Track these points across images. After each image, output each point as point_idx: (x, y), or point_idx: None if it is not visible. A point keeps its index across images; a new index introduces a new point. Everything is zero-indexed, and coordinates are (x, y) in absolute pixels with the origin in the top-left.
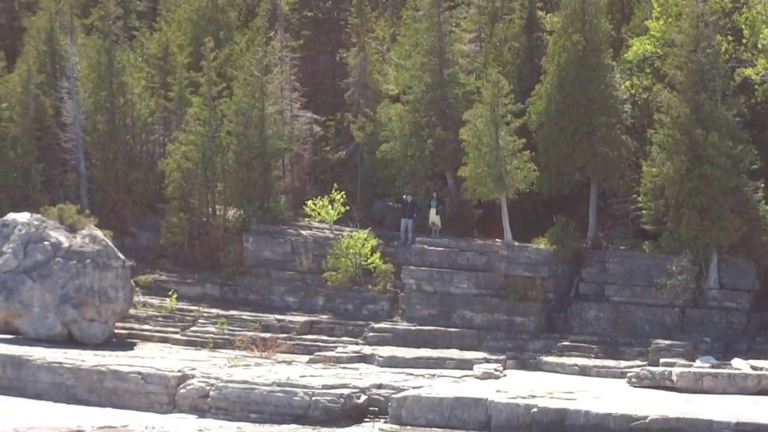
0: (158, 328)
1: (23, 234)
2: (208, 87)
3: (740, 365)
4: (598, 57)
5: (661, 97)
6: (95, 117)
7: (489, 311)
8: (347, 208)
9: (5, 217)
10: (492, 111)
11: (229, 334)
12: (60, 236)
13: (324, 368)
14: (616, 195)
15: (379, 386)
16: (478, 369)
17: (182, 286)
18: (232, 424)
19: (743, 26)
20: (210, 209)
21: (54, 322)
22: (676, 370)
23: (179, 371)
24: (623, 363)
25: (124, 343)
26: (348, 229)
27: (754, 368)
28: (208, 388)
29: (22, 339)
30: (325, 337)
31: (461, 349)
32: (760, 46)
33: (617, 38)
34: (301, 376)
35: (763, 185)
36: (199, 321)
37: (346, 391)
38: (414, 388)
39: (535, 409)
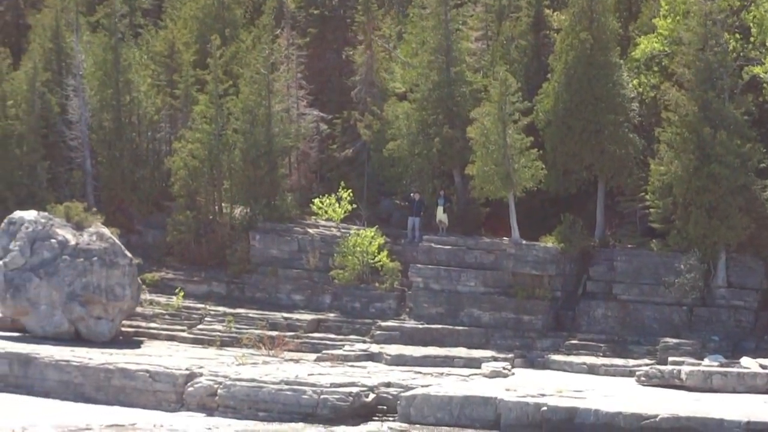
0: (165, 326)
1: (30, 232)
2: (215, 85)
3: (749, 364)
4: (605, 55)
5: (669, 95)
6: (101, 115)
7: (496, 309)
8: (354, 206)
9: (12, 215)
10: (500, 109)
11: (236, 332)
12: (67, 234)
13: (332, 366)
14: (623, 193)
15: (388, 385)
16: (487, 367)
17: (189, 284)
18: (241, 422)
19: (751, 24)
20: (216, 207)
21: (61, 320)
22: (685, 368)
23: (187, 369)
24: (631, 362)
25: (131, 341)
26: (355, 227)
27: (763, 367)
28: (216, 386)
29: (28, 337)
30: (332, 336)
31: (469, 347)
32: None
33: (624, 36)
34: (309, 375)
35: None
36: (206, 319)
37: (354, 390)
38: (423, 386)
39: (545, 408)
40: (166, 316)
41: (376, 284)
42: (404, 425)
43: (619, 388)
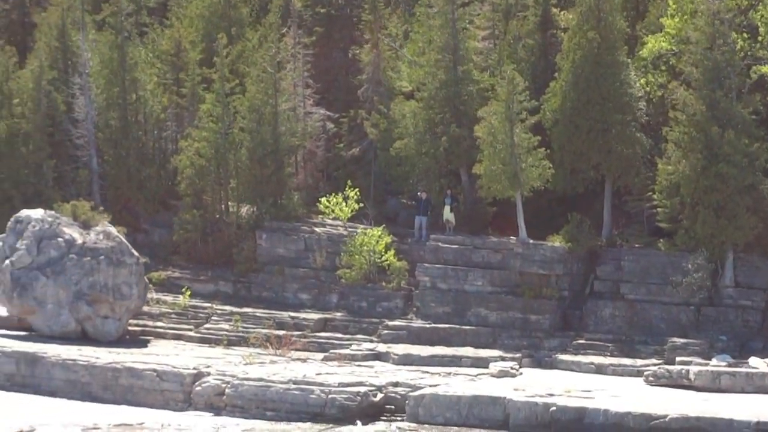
0: (172, 325)
1: (37, 230)
2: (221, 83)
3: (757, 364)
4: (613, 54)
5: (676, 94)
6: (107, 113)
7: (504, 309)
8: (361, 205)
9: (19, 214)
10: (507, 108)
11: (243, 332)
12: (74, 233)
13: (339, 366)
14: (630, 193)
15: (396, 384)
16: (494, 367)
17: (195, 283)
18: (248, 422)
19: (759, 23)
20: (223, 206)
21: (68, 319)
22: (693, 368)
23: (194, 369)
24: (639, 361)
25: (137, 341)
26: (362, 226)
27: None
28: (223, 385)
29: (35, 336)
30: (339, 335)
31: (476, 347)
32: None
33: (632, 35)
34: (317, 374)
35: None
36: (213, 318)
37: (362, 389)
38: (430, 386)
39: (554, 408)
40: (173, 315)
41: (383, 283)
42: (413, 425)
43: (628, 388)
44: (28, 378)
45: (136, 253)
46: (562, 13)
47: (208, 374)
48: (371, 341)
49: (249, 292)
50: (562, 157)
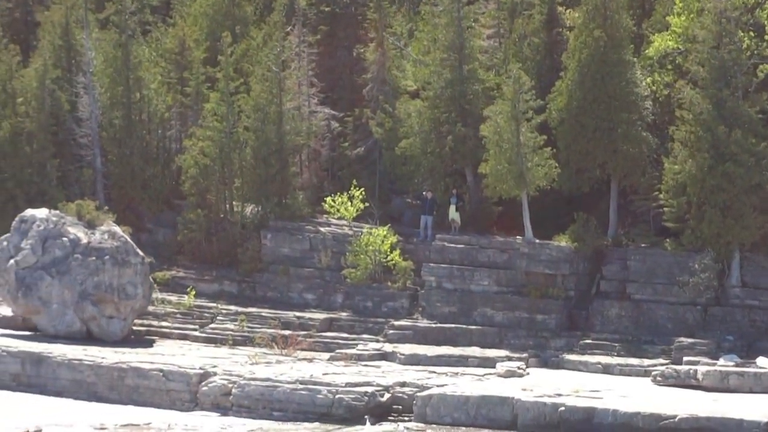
0: (177, 325)
1: (41, 230)
2: (226, 82)
3: (765, 364)
4: (619, 53)
5: (683, 93)
6: (111, 112)
7: (510, 309)
8: (366, 204)
9: (23, 213)
10: (513, 107)
11: (248, 332)
12: (79, 232)
13: (345, 366)
14: (636, 192)
15: (403, 384)
16: (501, 367)
17: (200, 282)
18: (255, 422)
19: (765, 22)
20: (227, 205)
21: (73, 319)
22: (701, 368)
23: (201, 369)
24: (646, 361)
25: (142, 340)
26: (367, 225)
27: None
28: (230, 385)
29: (40, 336)
30: (344, 335)
31: (482, 347)
32: None
33: (638, 34)
34: (323, 374)
35: None
36: (218, 318)
37: (369, 389)
38: (438, 386)
39: (563, 408)
40: (178, 315)
41: (389, 283)
42: (420, 425)
43: (635, 388)
44: (34, 378)
45: (141, 253)
46: (567, 11)
47: (215, 374)
48: (377, 341)
49: (254, 291)
50: (567, 157)
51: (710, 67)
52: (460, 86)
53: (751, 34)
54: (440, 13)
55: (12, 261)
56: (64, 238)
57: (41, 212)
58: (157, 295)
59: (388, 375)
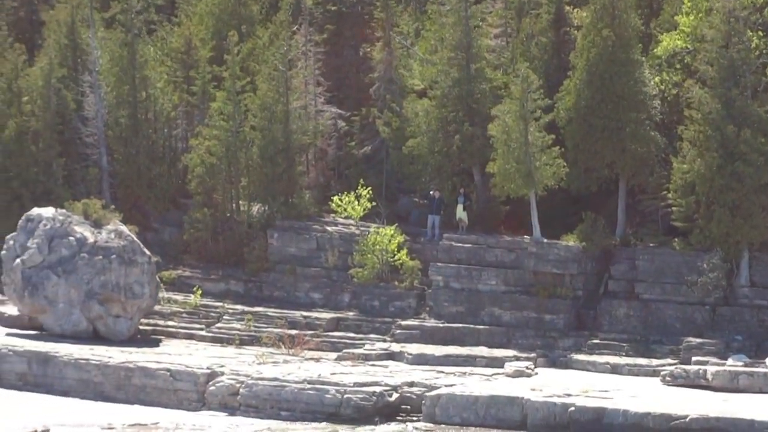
0: (183, 325)
1: (48, 229)
2: (232, 81)
3: None
4: (627, 52)
5: (692, 93)
6: (117, 111)
7: (518, 309)
8: (373, 204)
9: (30, 212)
10: (521, 106)
11: (255, 331)
12: (85, 231)
13: (353, 366)
14: (645, 191)
15: (411, 384)
16: (509, 367)
17: (206, 282)
18: (263, 422)
19: None
20: (234, 205)
21: (79, 318)
22: (711, 368)
23: (208, 368)
24: (655, 361)
25: (149, 340)
26: (374, 225)
27: None
28: (237, 385)
29: (46, 335)
30: (351, 334)
31: (490, 346)
32: None
33: (646, 33)
34: (331, 374)
35: None
36: (224, 317)
37: (378, 389)
38: (446, 386)
39: (573, 408)
40: (184, 315)
41: (396, 283)
42: (429, 425)
43: (645, 388)
44: (40, 377)
45: (147, 252)
46: (575, 10)
47: (222, 374)
48: (384, 341)
49: (260, 291)
50: (576, 156)
51: (719, 66)
52: (467, 85)
53: (760, 33)
54: (447, 12)
55: (18, 260)
56: (71, 237)
57: (48, 211)
58: (163, 294)
59: (396, 375)
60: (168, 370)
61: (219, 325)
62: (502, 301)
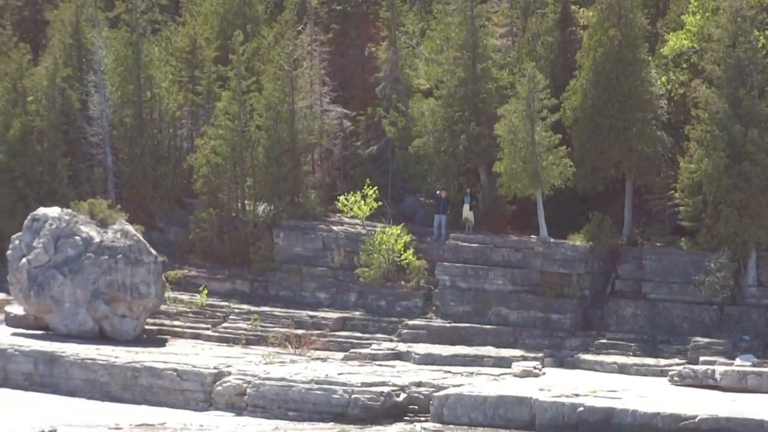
0: (189, 324)
1: (54, 229)
2: (237, 81)
3: None
4: (633, 52)
5: (698, 92)
6: (122, 111)
7: (525, 308)
8: (380, 203)
9: (35, 212)
10: (528, 106)
11: (261, 331)
12: (91, 231)
13: (360, 365)
14: (651, 191)
15: (419, 384)
16: (517, 367)
17: (212, 281)
18: (270, 422)
19: None
20: (239, 204)
21: (85, 318)
22: (719, 368)
23: (215, 368)
24: (662, 361)
25: (155, 340)
26: (380, 225)
27: None
28: (245, 385)
29: (52, 335)
30: (358, 334)
31: (497, 346)
32: None
33: (652, 33)
34: (338, 374)
35: None
36: (230, 317)
37: (385, 389)
38: (454, 386)
39: (582, 408)
40: (190, 315)
41: (402, 282)
42: (437, 425)
43: (653, 388)
44: (47, 377)
45: (154, 252)
46: (581, 10)
47: (229, 374)
48: (391, 341)
49: (266, 291)
50: (582, 156)
51: (726, 66)
52: (473, 85)
53: (767, 33)
54: (453, 11)
55: (24, 260)
56: (77, 237)
57: (53, 211)
58: (168, 294)
59: (403, 375)
60: (175, 370)
61: (225, 324)
62: (508, 300)
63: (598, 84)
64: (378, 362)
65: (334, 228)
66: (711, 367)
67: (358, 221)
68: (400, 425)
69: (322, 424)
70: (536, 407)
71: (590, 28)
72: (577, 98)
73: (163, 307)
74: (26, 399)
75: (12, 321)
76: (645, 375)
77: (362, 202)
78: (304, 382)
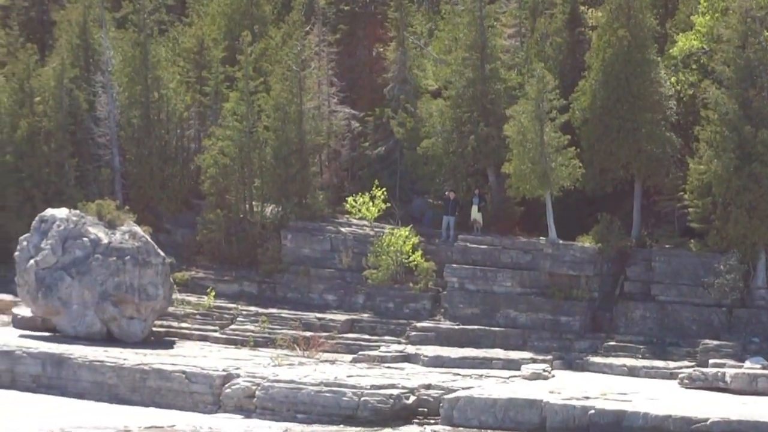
0: (197, 326)
1: (62, 230)
2: (245, 82)
3: None
4: (643, 53)
5: (708, 93)
6: (130, 112)
7: (533, 310)
8: (388, 205)
9: (43, 213)
10: (537, 107)
11: (269, 333)
12: (99, 232)
13: (369, 368)
14: (660, 192)
15: (428, 386)
16: (526, 369)
17: (219, 283)
18: (279, 424)
19: None
20: (247, 205)
21: (93, 320)
22: (729, 371)
23: (224, 370)
24: (672, 364)
25: (162, 342)
26: (389, 226)
27: None
28: (254, 387)
29: (59, 337)
30: (366, 336)
31: (505, 348)
32: None
33: (662, 34)
34: (347, 376)
35: None
36: (238, 319)
37: (395, 392)
38: (463, 388)
39: (592, 411)
40: (198, 316)
41: (411, 284)
42: (447, 428)
43: (663, 390)
44: (55, 379)
45: (162, 253)
46: (590, 10)
47: (238, 376)
48: (399, 343)
49: (274, 292)
50: (591, 157)
51: (735, 66)
52: (482, 85)
53: None
54: (461, 12)
55: (32, 261)
56: (85, 239)
57: (61, 212)
58: (176, 295)
59: (412, 377)
60: (183, 372)
61: (233, 326)
62: (517, 302)
63: (607, 85)
64: (387, 364)
65: (342, 229)
66: (721, 369)
67: (366, 223)
68: (409, 428)
69: (331, 427)
70: (547, 410)
71: (599, 28)
72: (586, 99)
73: (170, 309)
74: (34, 401)
75: (20, 323)
76: (654, 377)
77: (370, 203)
78: (313, 385)
